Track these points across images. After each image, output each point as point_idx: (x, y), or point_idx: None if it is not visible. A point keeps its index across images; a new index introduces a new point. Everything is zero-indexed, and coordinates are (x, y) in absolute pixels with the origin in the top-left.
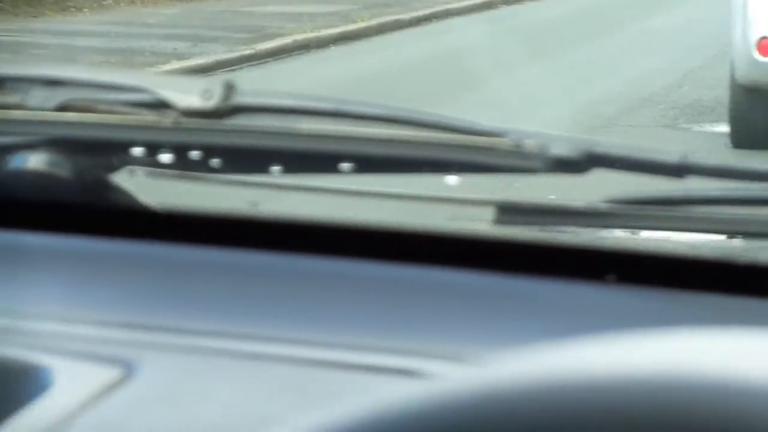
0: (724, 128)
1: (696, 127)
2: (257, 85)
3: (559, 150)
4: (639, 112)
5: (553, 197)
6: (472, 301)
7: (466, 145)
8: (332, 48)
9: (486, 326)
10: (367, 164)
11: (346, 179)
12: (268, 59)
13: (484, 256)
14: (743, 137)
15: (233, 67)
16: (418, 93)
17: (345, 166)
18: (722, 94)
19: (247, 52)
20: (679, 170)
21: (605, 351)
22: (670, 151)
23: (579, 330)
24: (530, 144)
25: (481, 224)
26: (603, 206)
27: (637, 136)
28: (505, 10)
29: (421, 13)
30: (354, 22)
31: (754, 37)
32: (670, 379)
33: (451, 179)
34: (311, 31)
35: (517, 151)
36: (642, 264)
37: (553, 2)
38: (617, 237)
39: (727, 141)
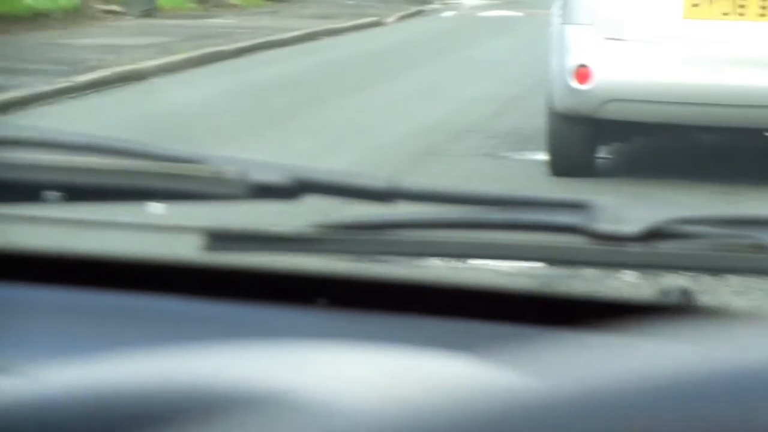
0: (543, 156)
1: (515, 156)
2: (74, 117)
3: (264, 177)
4: (459, 141)
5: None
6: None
7: (167, 173)
8: (152, 80)
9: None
10: (73, 193)
11: (56, 208)
12: (87, 92)
13: (186, 281)
14: (561, 165)
15: (51, 100)
16: (239, 122)
17: (52, 195)
18: (542, 123)
19: (66, 84)
20: (387, 195)
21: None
22: (378, 176)
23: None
24: (231, 171)
25: (190, 251)
26: (311, 231)
27: (456, 164)
28: (327, 42)
29: (243, 44)
30: (174, 54)
31: (571, 64)
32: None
33: (156, 207)
34: (131, 64)
35: (218, 178)
36: (350, 288)
37: (373, 34)
38: (326, 261)
39: (546, 169)
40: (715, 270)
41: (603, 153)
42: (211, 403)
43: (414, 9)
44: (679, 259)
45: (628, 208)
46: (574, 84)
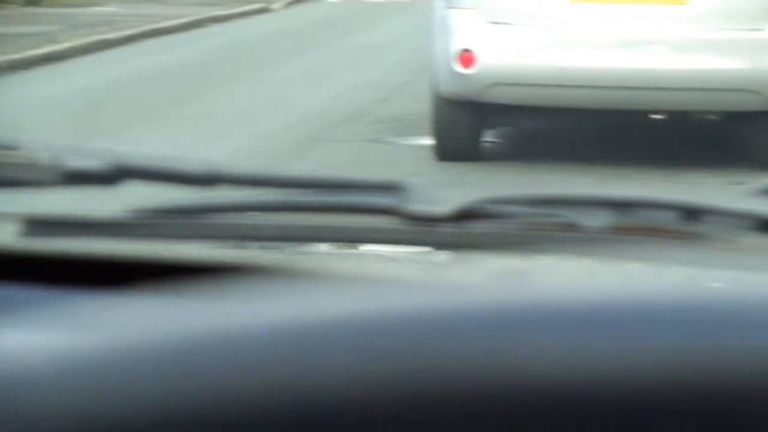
0: (429, 141)
1: (401, 141)
2: None
3: (80, 163)
4: (345, 127)
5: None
6: None
7: None
8: (37, 69)
9: None
10: None
11: None
12: None
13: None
14: (447, 150)
15: None
16: (123, 112)
17: None
18: (428, 107)
19: None
20: (207, 180)
21: None
22: (199, 160)
23: None
24: (45, 157)
25: (7, 237)
26: (128, 217)
27: (343, 150)
28: (214, 29)
29: (129, 32)
30: (59, 42)
31: (455, 49)
32: None
33: None
34: (15, 53)
35: (32, 165)
36: (167, 272)
37: (260, 21)
38: (145, 246)
39: (431, 154)
40: (527, 249)
41: (489, 137)
42: None
43: None
44: (489, 239)
45: (442, 188)
46: (459, 68)
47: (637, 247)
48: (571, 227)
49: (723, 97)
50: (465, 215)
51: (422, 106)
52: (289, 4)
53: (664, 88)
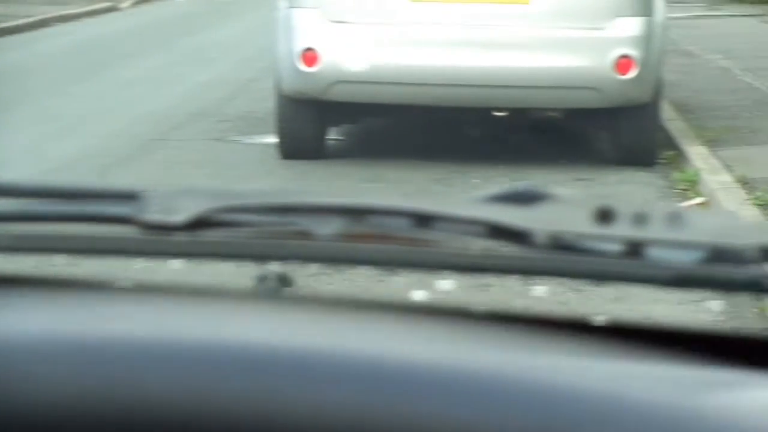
0: (273, 139)
1: (246, 139)
2: None
3: None
4: (190, 126)
5: None
6: None
7: None
8: None
9: None
10: None
11: None
12: None
13: None
14: (290, 148)
15: None
16: None
17: None
18: (273, 106)
19: None
20: None
21: None
22: None
23: None
24: None
25: None
26: None
27: (187, 149)
28: (60, 28)
29: None
30: None
31: (298, 48)
32: None
33: None
34: None
35: None
36: None
37: (108, 20)
38: None
39: (276, 152)
40: (260, 257)
41: (333, 135)
42: None
43: None
44: (221, 248)
45: (178, 197)
46: (302, 67)
47: (366, 253)
48: (304, 235)
49: (564, 95)
50: (200, 223)
51: (268, 105)
52: (137, 3)
53: (506, 86)
